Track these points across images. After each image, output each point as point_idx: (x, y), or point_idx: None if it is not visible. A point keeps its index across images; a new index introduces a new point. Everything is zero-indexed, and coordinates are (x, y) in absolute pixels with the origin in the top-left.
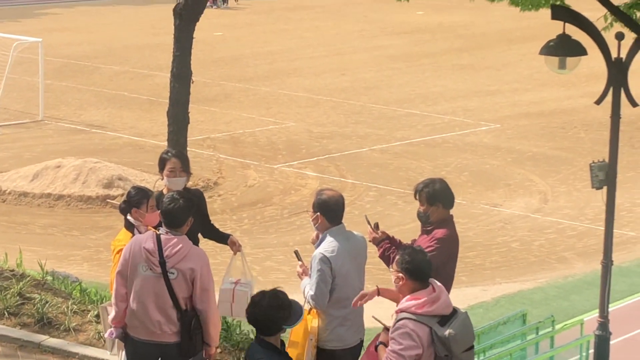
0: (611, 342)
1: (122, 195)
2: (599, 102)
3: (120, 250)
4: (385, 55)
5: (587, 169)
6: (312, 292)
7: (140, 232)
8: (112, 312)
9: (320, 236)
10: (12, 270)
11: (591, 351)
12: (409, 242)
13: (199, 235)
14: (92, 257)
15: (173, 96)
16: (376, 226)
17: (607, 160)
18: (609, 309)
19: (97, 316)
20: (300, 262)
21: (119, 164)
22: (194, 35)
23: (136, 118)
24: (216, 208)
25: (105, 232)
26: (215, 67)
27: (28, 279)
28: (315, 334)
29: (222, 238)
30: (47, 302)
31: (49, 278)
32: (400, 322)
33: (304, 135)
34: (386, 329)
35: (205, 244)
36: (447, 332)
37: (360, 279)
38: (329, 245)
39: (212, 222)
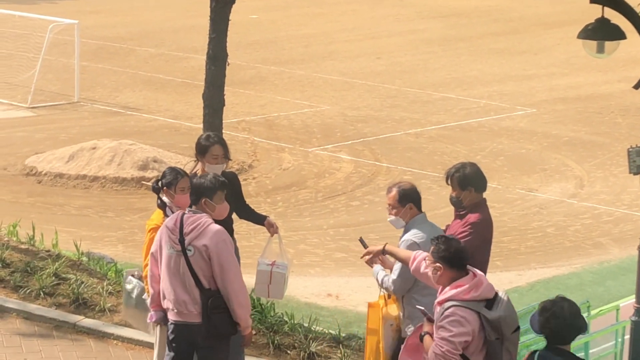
0: None
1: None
2: (637, 86)
3: (152, 229)
4: (421, 39)
5: (624, 154)
6: (394, 277)
7: (172, 212)
8: (149, 296)
9: (406, 226)
10: (48, 251)
11: (627, 337)
12: (444, 228)
13: (234, 216)
14: (127, 239)
15: (209, 78)
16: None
17: None
18: None
19: None
20: (366, 249)
21: (154, 146)
22: (230, 18)
23: (171, 100)
24: (251, 191)
25: (140, 214)
26: (250, 50)
27: (63, 259)
28: (396, 320)
29: (258, 219)
30: (82, 282)
31: (84, 259)
32: (449, 311)
33: (339, 119)
34: (429, 319)
35: (240, 226)
36: (497, 315)
37: None
38: (417, 232)
39: (247, 203)
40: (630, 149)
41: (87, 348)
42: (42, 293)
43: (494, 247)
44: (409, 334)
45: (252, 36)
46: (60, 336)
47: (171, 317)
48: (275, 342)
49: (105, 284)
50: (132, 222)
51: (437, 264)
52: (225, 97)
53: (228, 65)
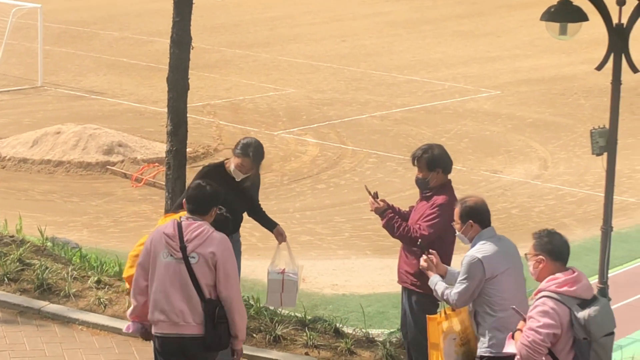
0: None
1: (122, 161)
2: (599, 68)
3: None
4: (386, 21)
5: (588, 135)
6: (457, 290)
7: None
8: (130, 307)
9: (471, 242)
10: (12, 236)
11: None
12: (407, 209)
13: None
14: (92, 224)
15: (173, 62)
16: (376, 195)
17: (607, 126)
18: (609, 275)
19: (98, 282)
20: (424, 257)
21: (119, 130)
22: (194, 1)
23: (136, 84)
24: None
25: (105, 199)
26: (215, 33)
27: (28, 245)
28: (459, 334)
29: (268, 224)
30: (47, 268)
31: (49, 244)
32: (540, 300)
33: (304, 102)
34: (524, 319)
35: (244, 228)
36: (587, 314)
37: (518, 280)
38: (482, 247)
39: (260, 205)
40: (593, 130)
41: (52, 333)
42: (6, 279)
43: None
44: (482, 352)
45: (217, 19)
46: (24, 322)
47: (162, 329)
48: None
49: (70, 269)
50: (97, 207)
51: (540, 257)
52: (190, 80)
53: (192, 48)
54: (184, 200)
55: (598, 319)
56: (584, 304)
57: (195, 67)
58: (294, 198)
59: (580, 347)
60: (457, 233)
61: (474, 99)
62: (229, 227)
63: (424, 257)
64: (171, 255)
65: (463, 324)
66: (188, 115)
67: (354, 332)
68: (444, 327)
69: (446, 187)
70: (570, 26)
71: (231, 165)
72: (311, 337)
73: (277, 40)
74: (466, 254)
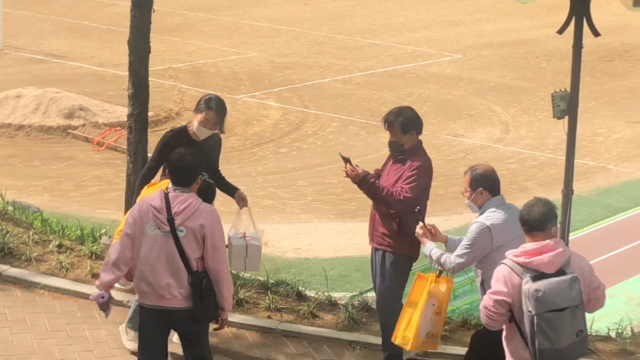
0: None
1: (84, 125)
2: (561, 31)
3: None
4: None
5: (549, 99)
6: (459, 254)
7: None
8: (107, 276)
9: (480, 210)
10: None
11: None
12: (373, 172)
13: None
14: (53, 188)
15: (133, 25)
16: (349, 161)
17: (568, 90)
18: (570, 238)
19: (59, 246)
20: (421, 223)
21: (80, 94)
22: None
23: (97, 48)
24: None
25: (66, 162)
26: None
27: None
28: (440, 301)
29: (228, 189)
30: (8, 232)
31: (10, 208)
32: (498, 267)
33: (267, 66)
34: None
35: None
36: (531, 287)
37: None
38: (491, 214)
39: (220, 171)
40: (554, 94)
41: (14, 297)
42: None
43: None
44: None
45: None
46: None
47: (148, 301)
48: None
49: (31, 233)
50: (58, 170)
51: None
52: (151, 44)
53: (154, 12)
54: (167, 170)
55: (541, 294)
56: (539, 276)
57: (157, 30)
58: (257, 162)
59: (527, 320)
60: (467, 201)
61: (437, 63)
62: (215, 192)
63: (420, 224)
64: (158, 228)
65: (443, 294)
66: (150, 78)
67: (316, 296)
68: (430, 287)
69: (420, 149)
70: None
71: (194, 124)
72: (274, 300)
73: (239, 4)
74: (474, 220)
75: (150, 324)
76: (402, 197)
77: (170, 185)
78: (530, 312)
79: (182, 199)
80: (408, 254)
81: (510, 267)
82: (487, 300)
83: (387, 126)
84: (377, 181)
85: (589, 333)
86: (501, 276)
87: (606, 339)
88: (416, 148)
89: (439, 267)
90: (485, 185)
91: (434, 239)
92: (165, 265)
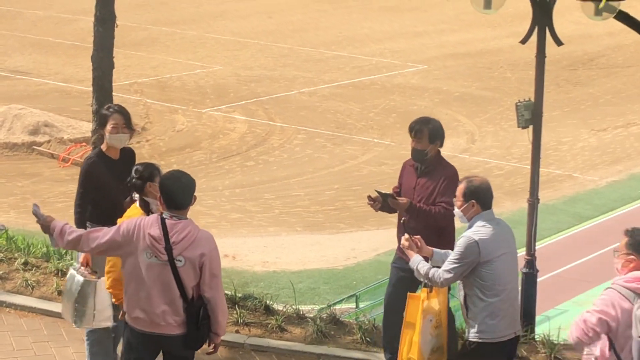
0: (538, 279)
1: (49, 141)
2: (524, 41)
3: None
4: None
5: (514, 108)
6: (447, 268)
7: (153, 211)
8: (68, 228)
9: (469, 222)
10: None
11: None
12: (392, 191)
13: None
14: (19, 205)
15: (97, 41)
16: (391, 196)
17: (532, 99)
18: (536, 247)
19: (25, 264)
20: (406, 236)
21: (44, 110)
22: None
23: (62, 64)
24: (144, 153)
25: (31, 179)
26: (141, 11)
27: None
28: (436, 315)
29: None
30: None
31: None
32: (606, 291)
33: (232, 79)
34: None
35: None
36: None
37: (512, 266)
38: (480, 229)
39: None
40: (519, 103)
41: None
42: None
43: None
44: (471, 337)
45: None
46: None
47: (142, 327)
48: None
49: None
50: (23, 187)
51: (632, 256)
52: (115, 59)
53: (117, 27)
54: (160, 196)
55: None
56: None
57: (121, 45)
58: (223, 176)
59: (636, 345)
60: (456, 210)
61: (401, 74)
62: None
63: (406, 235)
64: (155, 257)
65: (440, 305)
66: (114, 94)
67: (284, 309)
68: (424, 306)
69: (442, 159)
70: (495, 0)
71: (106, 136)
72: (241, 314)
73: (203, 17)
74: (463, 234)
75: (140, 348)
76: (447, 212)
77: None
78: None
79: (181, 227)
80: None
81: (620, 292)
82: (590, 316)
83: (414, 134)
84: (420, 204)
85: (555, 342)
86: (609, 299)
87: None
88: (438, 158)
89: (427, 282)
90: (478, 198)
91: (419, 251)
92: (161, 292)
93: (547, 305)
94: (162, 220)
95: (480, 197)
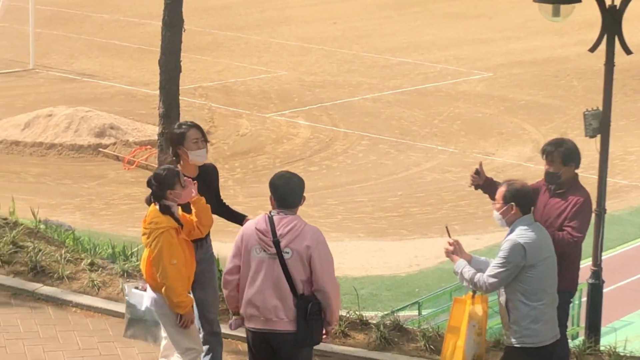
0: (604, 290)
1: (114, 144)
2: (592, 50)
3: (160, 234)
4: (376, 3)
5: (580, 117)
6: (492, 273)
7: (176, 215)
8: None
9: (510, 226)
10: (5, 219)
11: (584, 299)
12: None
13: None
14: (85, 206)
15: (164, 44)
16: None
17: (600, 108)
18: (602, 257)
19: (91, 264)
20: (449, 240)
21: (110, 112)
22: None
23: (127, 67)
24: (208, 157)
25: (97, 181)
26: (207, 16)
27: (21, 227)
28: (479, 321)
29: (236, 218)
30: (40, 250)
31: (42, 227)
32: None
33: (296, 84)
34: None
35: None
36: None
37: (554, 270)
38: (524, 232)
39: (222, 200)
40: (587, 112)
41: (46, 315)
42: None
43: (451, 210)
44: (513, 342)
45: (208, 2)
46: (18, 304)
47: (254, 324)
48: None
49: (63, 251)
50: (89, 189)
51: None
52: (181, 63)
53: (184, 31)
54: (271, 196)
55: None
56: None
57: (186, 49)
58: None
59: None
60: (496, 213)
61: (467, 81)
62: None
63: (450, 240)
64: (264, 251)
65: (482, 313)
66: (180, 97)
67: (347, 315)
68: (469, 311)
69: (577, 182)
70: (564, 8)
71: (187, 156)
72: None
73: (268, 23)
74: (506, 237)
75: (257, 348)
76: (573, 240)
77: (272, 208)
78: None
79: (287, 221)
80: (568, 289)
81: None
82: None
83: (545, 156)
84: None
85: (622, 353)
86: None
87: None
88: (574, 181)
89: (472, 287)
90: (518, 201)
91: (461, 257)
92: (272, 287)
93: (613, 316)
94: (270, 217)
95: (520, 201)
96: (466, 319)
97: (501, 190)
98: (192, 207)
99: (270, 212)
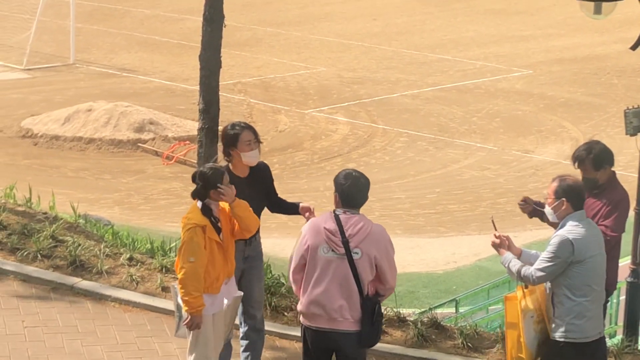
0: None
1: (153, 139)
2: (634, 47)
3: (191, 228)
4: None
5: (620, 115)
6: (539, 267)
7: (215, 214)
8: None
9: (561, 222)
10: (45, 213)
11: (622, 298)
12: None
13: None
14: (123, 201)
15: (205, 40)
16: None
17: None
18: None
19: (130, 259)
20: (496, 233)
21: (150, 108)
22: None
23: (167, 62)
24: None
25: (136, 176)
26: (246, 11)
27: (61, 221)
28: (536, 312)
29: (292, 208)
30: (79, 244)
31: (81, 221)
32: None
33: (335, 81)
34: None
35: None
36: None
37: (603, 267)
38: (573, 228)
39: (278, 195)
40: (627, 110)
41: (85, 310)
42: (39, 255)
43: (489, 208)
44: (557, 336)
45: None
46: (57, 298)
47: (318, 324)
48: (272, 303)
49: (102, 246)
50: (128, 184)
51: None
52: (221, 58)
53: (225, 26)
54: (336, 194)
55: None
56: None
57: (226, 45)
58: (325, 177)
59: None
60: (547, 208)
61: (506, 78)
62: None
63: (496, 233)
64: (333, 251)
65: (537, 302)
66: (219, 93)
67: (385, 312)
68: (522, 305)
69: (614, 181)
70: (605, 5)
71: (240, 156)
72: None
73: (307, 19)
74: (555, 232)
75: (315, 346)
76: (607, 238)
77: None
78: None
79: (355, 221)
80: (607, 287)
81: None
82: None
83: (577, 164)
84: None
85: None
86: None
87: None
88: (611, 181)
89: (519, 281)
90: (570, 197)
91: (508, 249)
92: (339, 287)
93: None
94: (337, 216)
95: (572, 197)
96: (521, 314)
97: (553, 186)
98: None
99: (335, 211)
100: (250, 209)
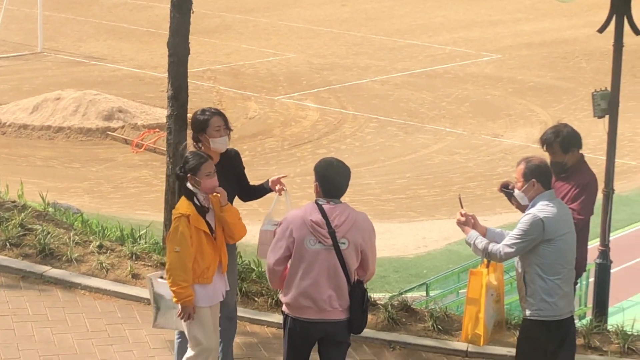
0: (611, 271)
1: (123, 127)
2: (601, 30)
3: (177, 218)
4: None
5: (589, 98)
6: (508, 243)
7: (200, 200)
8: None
9: (530, 202)
10: (14, 202)
11: (591, 279)
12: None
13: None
14: (93, 189)
15: (173, 26)
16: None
17: (609, 89)
18: (610, 238)
19: (99, 247)
20: (462, 211)
21: (118, 96)
22: None
23: (136, 50)
24: None
25: (105, 164)
26: None
27: (29, 210)
28: (496, 290)
29: (263, 189)
30: (48, 233)
31: (51, 210)
32: None
33: (305, 67)
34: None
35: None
36: None
37: (574, 246)
38: (544, 207)
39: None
40: (595, 93)
41: (55, 298)
42: (8, 244)
43: (460, 192)
44: (528, 314)
45: None
46: (27, 287)
47: (307, 315)
48: (243, 289)
49: (71, 234)
50: (97, 172)
51: None
52: (190, 45)
53: (193, 13)
54: (317, 184)
55: None
56: None
57: (195, 32)
58: (295, 163)
59: None
60: (516, 192)
61: (475, 63)
62: None
63: (462, 211)
64: (320, 242)
65: (498, 280)
66: (188, 80)
67: None
68: (486, 281)
69: (582, 164)
70: None
71: (208, 142)
72: None
73: (276, 5)
74: (526, 211)
75: (303, 336)
76: (575, 221)
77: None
78: None
79: (340, 211)
80: (576, 269)
81: None
82: None
83: (545, 148)
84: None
85: (629, 332)
86: None
87: None
88: (579, 163)
89: (485, 256)
90: (538, 177)
91: (475, 229)
92: (327, 278)
93: (621, 296)
94: (320, 206)
95: (541, 176)
96: (484, 289)
97: (520, 168)
98: (221, 214)
99: (317, 201)
100: (240, 217)
